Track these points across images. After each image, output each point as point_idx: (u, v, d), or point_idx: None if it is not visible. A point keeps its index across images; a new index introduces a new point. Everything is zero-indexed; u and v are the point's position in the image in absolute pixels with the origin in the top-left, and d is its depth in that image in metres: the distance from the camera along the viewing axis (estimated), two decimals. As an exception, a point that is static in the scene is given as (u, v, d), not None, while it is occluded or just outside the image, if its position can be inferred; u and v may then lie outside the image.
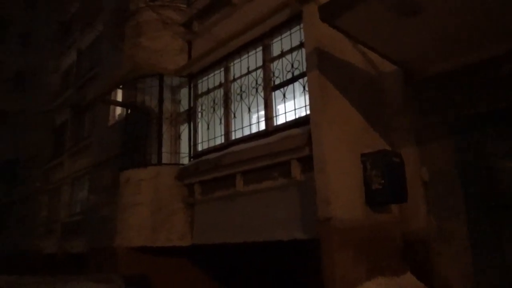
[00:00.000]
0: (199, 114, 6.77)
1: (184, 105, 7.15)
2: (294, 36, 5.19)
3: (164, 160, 6.68)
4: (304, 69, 4.79)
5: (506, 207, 4.06)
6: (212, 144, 6.34)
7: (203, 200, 6.18)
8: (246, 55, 5.91)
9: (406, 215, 4.60)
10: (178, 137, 6.98)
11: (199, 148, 6.61)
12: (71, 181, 10.80)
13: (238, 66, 6.08)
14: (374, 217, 4.39)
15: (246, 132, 5.77)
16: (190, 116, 6.89)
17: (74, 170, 10.62)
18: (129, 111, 7.49)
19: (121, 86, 7.66)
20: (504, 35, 4.06)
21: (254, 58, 5.78)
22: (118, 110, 9.16)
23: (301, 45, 4.99)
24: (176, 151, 6.90)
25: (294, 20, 5.11)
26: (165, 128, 6.87)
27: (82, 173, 10.11)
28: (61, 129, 12.47)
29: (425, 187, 4.55)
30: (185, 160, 6.80)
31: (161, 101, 6.91)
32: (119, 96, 8.52)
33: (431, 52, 4.48)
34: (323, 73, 4.44)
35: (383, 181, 4.12)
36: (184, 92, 7.21)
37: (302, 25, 4.87)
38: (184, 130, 6.97)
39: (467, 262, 4.20)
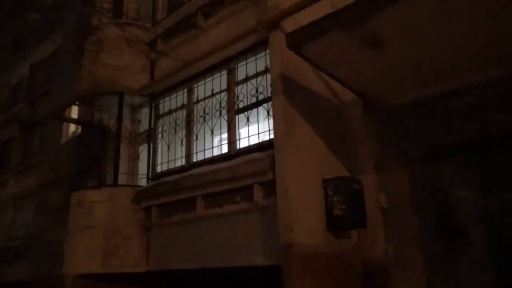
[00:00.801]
0: (160, 135, 6.61)
1: (144, 125, 6.96)
2: (259, 61, 5.26)
3: (120, 182, 6.40)
4: (269, 94, 4.84)
5: (459, 233, 4.24)
6: (172, 166, 6.17)
7: (161, 224, 5.95)
8: (211, 78, 5.90)
9: (365, 241, 4.67)
10: (136, 157, 6.74)
11: (158, 169, 6.42)
12: (15, 202, 10.05)
13: (202, 88, 6.04)
14: (335, 243, 4.42)
15: (208, 154, 5.68)
16: (150, 137, 6.70)
17: (20, 190, 9.91)
18: (84, 128, 7.17)
19: (77, 103, 7.34)
20: (460, 70, 4.34)
21: (219, 81, 5.77)
22: (72, 127, 8.75)
23: (266, 70, 5.05)
24: (133, 172, 6.64)
25: (260, 45, 5.19)
26: (123, 148, 6.61)
27: (29, 194, 9.44)
28: (6, 146, 11.67)
29: (384, 214, 4.67)
30: (143, 182, 6.55)
31: (120, 119, 6.68)
32: (74, 113, 8.16)
33: (391, 84, 4.71)
34: (288, 98, 4.51)
35: (344, 207, 4.18)
36: (144, 111, 7.03)
37: (268, 51, 4.95)
38: (143, 150, 6.76)
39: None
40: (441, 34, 3.76)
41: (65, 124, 8.81)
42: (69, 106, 7.80)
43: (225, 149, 5.44)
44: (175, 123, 6.35)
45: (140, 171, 6.65)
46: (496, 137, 4.26)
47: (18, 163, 10.50)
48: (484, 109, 4.34)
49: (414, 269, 4.41)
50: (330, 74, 4.64)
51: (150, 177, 6.45)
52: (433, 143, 4.62)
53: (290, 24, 4.51)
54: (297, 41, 4.10)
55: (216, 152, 5.62)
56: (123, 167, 6.56)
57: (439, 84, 4.59)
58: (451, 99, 4.57)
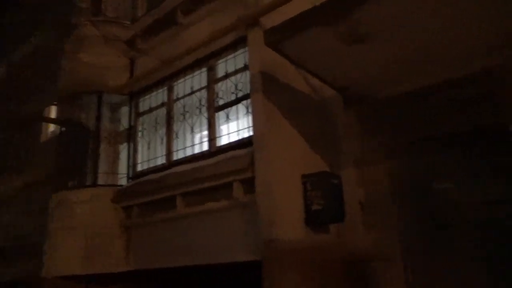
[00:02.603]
0: (140, 134, 6.55)
1: (124, 124, 6.88)
2: (239, 58, 5.25)
3: (101, 181, 6.32)
4: (248, 91, 4.83)
5: (439, 226, 4.32)
6: (152, 164, 6.12)
7: (142, 223, 5.89)
8: (191, 75, 5.86)
9: (345, 235, 4.72)
10: (116, 157, 6.66)
11: (139, 168, 6.36)
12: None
13: (182, 86, 6.00)
14: (315, 237, 4.45)
15: (189, 152, 5.66)
16: (130, 136, 6.63)
17: (2, 191, 9.70)
18: (63, 128, 7.06)
19: (56, 103, 7.22)
20: (441, 65, 4.40)
21: (199, 78, 5.74)
22: (52, 127, 8.60)
23: (245, 68, 5.05)
24: (114, 172, 6.57)
25: (239, 42, 5.17)
26: (102, 147, 6.53)
27: (12, 195, 9.25)
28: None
29: (363, 207, 4.72)
30: (124, 181, 6.48)
31: (99, 118, 6.60)
32: (53, 112, 8.02)
33: (372, 79, 4.74)
34: (267, 95, 4.52)
35: (322, 202, 4.21)
36: (124, 110, 6.95)
37: (247, 48, 4.95)
38: (123, 149, 6.69)
39: (404, 281, 4.37)
40: (422, 29, 3.79)
41: (44, 124, 8.66)
42: (48, 105, 7.66)
43: (205, 147, 5.42)
44: (156, 122, 6.30)
45: (120, 171, 6.57)
46: (476, 131, 4.33)
47: (-2, 164, 10.27)
48: (465, 103, 4.41)
49: (394, 261, 4.48)
50: (310, 70, 4.66)
51: (130, 176, 6.39)
52: (414, 137, 4.68)
53: (270, 21, 4.50)
54: (276, 38, 4.10)
55: (196, 149, 5.60)
56: (103, 167, 6.48)
57: (420, 79, 4.65)
58: (432, 94, 4.63)
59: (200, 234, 5.01)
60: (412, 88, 4.66)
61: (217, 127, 5.34)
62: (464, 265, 4.15)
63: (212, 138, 5.31)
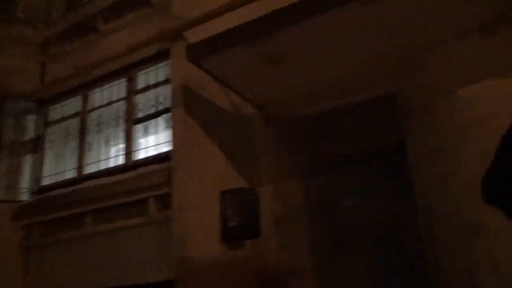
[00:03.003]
0: (48, 144, 6.03)
1: (30, 133, 6.28)
2: (161, 71, 5.15)
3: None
4: (169, 105, 4.74)
5: (343, 241, 4.57)
6: (61, 178, 5.65)
7: (45, 243, 5.37)
8: (109, 85, 5.60)
9: (260, 251, 4.77)
10: (19, 169, 6.04)
11: (45, 182, 5.82)
12: None
13: (99, 96, 5.69)
14: (231, 254, 4.43)
15: (103, 166, 5.34)
16: (36, 146, 6.08)
17: None
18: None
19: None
20: (349, 88, 4.73)
21: (118, 89, 5.50)
22: None
23: (167, 81, 4.96)
24: (14, 186, 5.93)
25: (162, 55, 5.08)
26: (3, 158, 5.88)
27: None
28: None
29: (278, 224, 4.83)
30: (26, 197, 5.88)
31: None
32: None
33: (289, 98, 4.94)
34: (188, 110, 4.47)
35: (238, 218, 4.23)
36: (31, 118, 6.36)
37: (170, 61, 4.87)
38: (28, 161, 6.09)
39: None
40: (336, 54, 4.07)
41: None
42: None
43: (121, 160, 5.16)
44: (67, 132, 5.86)
45: (23, 185, 5.96)
46: (380, 150, 4.71)
47: None
48: (371, 124, 4.79)
49: (306, 276, 4.62)
50: (231, 87, 4.72)
51: (34, 191, 5.82)
52: (324, 156, 4.95)
53: (194, 35, 4.49)
54: (197, 54, 4.10)
55: (111, 163, 5.30)
56: (3, 180, 5.82)
57: (333, 100, 4.96)
58: (341, 115, 4.97)
59: (111, 254, 4.71)
60: (326, 108, 4.96)
61: (134, 140, 5.13)
62: (364, 280, 4.43)
63: (128, 151, 5.08)
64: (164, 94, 4.98)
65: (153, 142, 4.94)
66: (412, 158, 4.18)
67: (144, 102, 5.17)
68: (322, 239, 4.72)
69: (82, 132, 5.64)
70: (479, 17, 3.55)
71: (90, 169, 5.44)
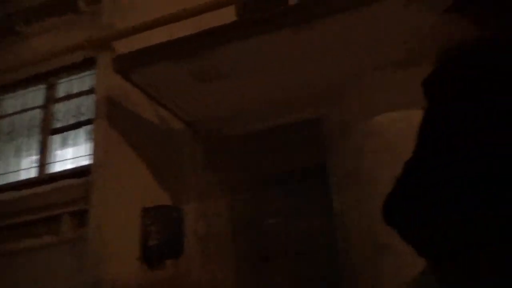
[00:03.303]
0: None
1: None
2: (85, 80, 4.89)
3: None
4: (92, 116, 4.50)
5: (266, 259, 4.64)
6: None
7: None
8: (24, 91, 5.18)
9: (182, 270, 4.66)
10: None
11: None
12: None
13: (12, 102, 5.24)
14: (151, 275, 4.26)
15: (13, 178, 4.88)
16: None
17: None
18: None
19: None
20: (282, 109, 4.87)
21: (34, 96, 5.11)
22: None
23: (91, 90, 4.72)
24: None
25: (87, 63, 4.83)
26: None
27: None
28: None
29: (202, 242, 4.77)
30: None
31: None
32: None
33: (218, 116, 4.97)
34: (112, 122, 4.28)
35: (160, 237, 4.10)
36: None
37: (95, 71, 4.65)
38: None
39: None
40: (266, 77, 4.19)
41: None
42: None
43: (34, 173, 4.76)
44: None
45: None
46: (304, 169, 4.89)
47: None
48: (297, 145, 4.96)
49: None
50: (159, 102, 4.63)
51: None
52: (252, 175, 5.03)
53: (124, 46, 4.35)
54: (125, 65, 3.99)
55: (23, 175, 4.87)
56: None
57: (261, 120, 5.07)
58: (269, 135, 5.10)
59: (15, 278, 4.27)
60: (255, 128, 5.06)
61: (50, 151, 4.77)
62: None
63: (43, 163, 4.71)
64: (86, 105, 4.73)
65: (72, 155, 4.64)
66: (332, 180, 4.40)
67: (64, 112, 4.85)
68: (247, 257, 4.75)
69: (-10, 141, 5.13)
70: (394, 53, 3.89)
71: (-2, 181, 4.95)
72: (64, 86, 4.99)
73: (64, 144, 4.72)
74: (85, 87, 4.84)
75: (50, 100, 4.98)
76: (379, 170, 3.77)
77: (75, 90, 4.89)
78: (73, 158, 4.60)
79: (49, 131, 4.81)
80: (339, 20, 3.37)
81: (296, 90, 4.49)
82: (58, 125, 4.81)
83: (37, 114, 5.00)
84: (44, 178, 4.60)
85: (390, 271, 3.47)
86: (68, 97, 4.89)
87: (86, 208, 3.95)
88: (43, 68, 5.00)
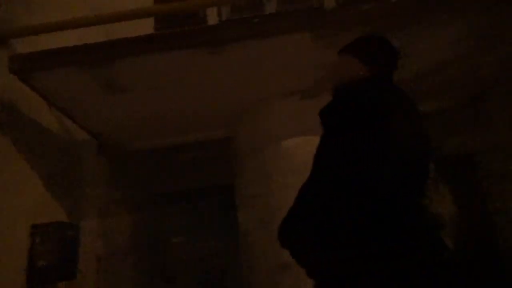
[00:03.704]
0: None
1: None
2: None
3: None
4: (-23, 119, 3.99)
5: (170, 279, 4.50)
6: None
7: None
8: None
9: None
10: None
11: None
12: None
13: None
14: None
15: None
16: None
17: None
18: None
19: None
20: (190, 126, 4.84)
21: None
22: None
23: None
24: None
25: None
26: None
27: None
28: None
29: (100, 261, 4.46)
30: None
31: None
32: None
33: (129, 130, 4.77)
34: (3, 129, 3.84)
35: (51, 257, 3.74)
36: None
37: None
38: None
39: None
40: (178, 93, 4.14)
41: None
42: None
43: None
44: None
45: None
46: (210, 189, 4.90)
47: None
48: (205, 163, 4.96)
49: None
50: (61, 109, 4.30)
51: None
52: (159, 192, 4.89)
53: (24, 46, 3.96)
54: (22, 67, 3.65)
55: None
56: None
57: (171, 136, 4.99)
58: (181, 152, 5.03)
59: None
60: (164, 144, 4.96)
61: None
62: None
63: None
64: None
65: None
66: (239, 200, 4.47)
67: None
68: (150, 278, 4.55)
69: None
70: (301, 82, 4.16)
71: None
72: None
73: None
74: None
75: None
76: (285, 193, 3.93)
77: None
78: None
79: None
80: (249, 46, 3.51)
81: (207, 109, 4.53)
82: None
83: None
84: None
85: (290, 289, 3.62)
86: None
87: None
88: None
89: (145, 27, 4.94)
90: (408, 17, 3.47)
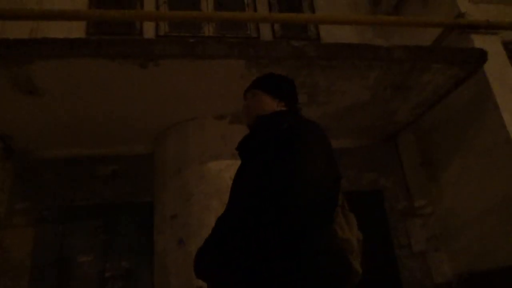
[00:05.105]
0: None
1: None
2: None
3: None
4: None
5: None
6: None
7: None
8: None
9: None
10: None
11: None
12: None
13: None
14: None
15: None
16: None
17: None
18: None
19: None
20: (110, 139, 4.59)
21: None
22: None
23: None
24: None
25: None
26: None
27: None
28: None
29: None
30: None
31: None
32: None
33: (40, 136, 4.37)
34: None
35: None
36: None
37: None
38: None
39: None
40: (101, 102, 3.92)
41: None
42: None
43: None
44: None
45: None
46: (123, 206, 4.65)
47: None
48: (123, 179, 4.72)
49: None
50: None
51: None
52: (69, 206, 4.53)
53: None
54: None
55: None
56: None
57: (92, 148, 4.70)
58: (97, 165, 4.73)
59: None
60: (80, 155, 4.68)
61: None
62: None
63: None
64: None
65: None
66: (157, 218, 4.31)
67: None
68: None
69: None
70: (233, 106, 4.20)
71: None
72: None
73: None
74: None
75: None
76: (206, 215, 3.90)
77: None
78: None
79: None
80: (183, 64, 3.49)
81: (131, 122, 4.36)
82: None
83: None
84: None
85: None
86: None
87: None
88: None
89: (76, 30, 4.68)
90: (335, 59, 3.74)
